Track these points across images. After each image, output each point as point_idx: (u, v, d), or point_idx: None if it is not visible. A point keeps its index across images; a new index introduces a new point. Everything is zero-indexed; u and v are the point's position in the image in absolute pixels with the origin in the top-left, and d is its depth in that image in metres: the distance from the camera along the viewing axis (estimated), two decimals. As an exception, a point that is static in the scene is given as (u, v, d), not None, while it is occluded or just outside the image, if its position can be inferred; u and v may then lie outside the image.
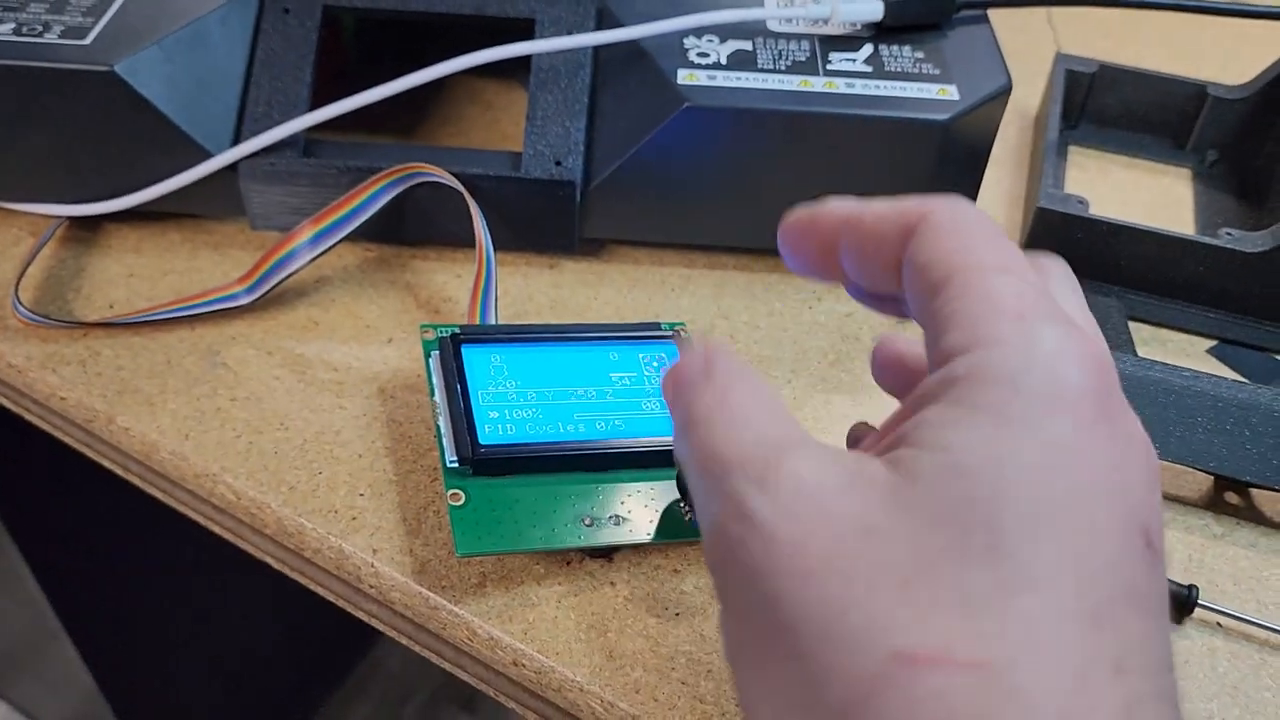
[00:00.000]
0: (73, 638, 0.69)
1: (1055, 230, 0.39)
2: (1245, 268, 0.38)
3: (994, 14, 0.40)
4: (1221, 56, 0.54)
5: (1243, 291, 0.39)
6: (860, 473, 0.18)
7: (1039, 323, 0.18)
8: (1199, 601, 0.31)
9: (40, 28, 0.36)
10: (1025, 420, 0.17)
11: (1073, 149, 0.46)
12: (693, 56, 0.37)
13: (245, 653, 0.88)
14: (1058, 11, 0.56)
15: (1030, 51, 0.52)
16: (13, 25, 0.36)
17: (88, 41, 0.35)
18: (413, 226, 0.38)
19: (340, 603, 0.32)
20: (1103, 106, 0.47)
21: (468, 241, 0.37)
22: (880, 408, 0.35)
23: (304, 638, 0.95)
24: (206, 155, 0.36)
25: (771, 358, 0.37)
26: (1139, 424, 0.19)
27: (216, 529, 0.34)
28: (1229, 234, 0.38)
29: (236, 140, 0.37)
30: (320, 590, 0.32)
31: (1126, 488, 0.18)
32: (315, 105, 0.37)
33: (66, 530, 0.66)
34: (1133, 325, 0.39)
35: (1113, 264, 0.39)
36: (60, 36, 0.35)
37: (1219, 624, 0.31)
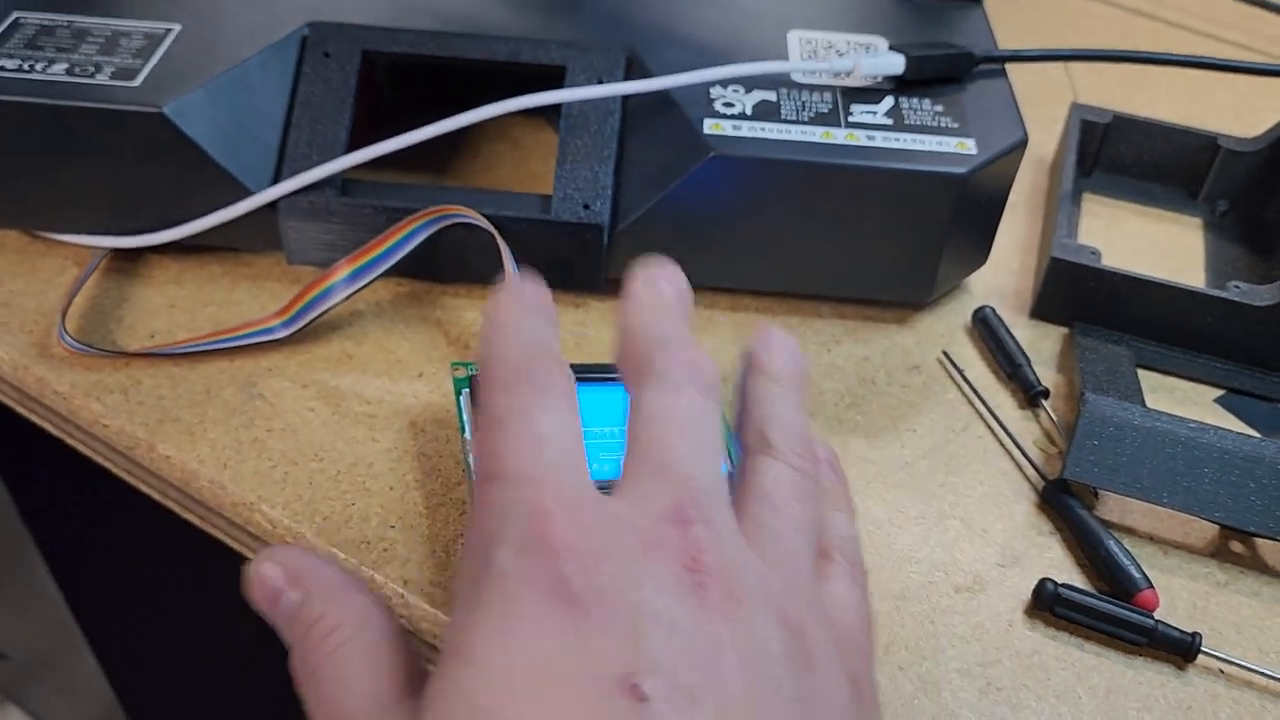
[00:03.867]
0: (93, 648, 0.70)
1: (1068, 279, 0.40)
2: (1253, 320, 0.39)
3: (1012, 64, 0.42)
4: (1234, 108, 0.55)
5: (1250, 343, 0.40)
6: None
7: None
8: (1202, 648, 0.31)
9: (92, 69, 0.37)
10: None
11: (1087, 196, 0.48)
12: (719, 106, 0.38)
13: (262, 667, 0.89)
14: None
15: (1047, 97, 0.54)
16: (66, 65, 0.37)
17: (137, 83, 0.37)
18: (444, 264, 0.39)
19: (369, 631, 0.33)
20: (1116, 155, 0.48)
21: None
22: (896, 450, 0.36)
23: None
24: (247, 193, 0.38)
25: (789, 399, 0.38)
26: (612, 579, 0.20)
27: (251, 556, 0.35)
28: (1237, 287, 0.39)
29: (276, 179, 0.38)
30: (350, 618, 0.34)
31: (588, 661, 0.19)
32: (352, 145, 0.38)
33: (90, 542, 0.67)
34: (1142, 373, 0.40)
35: (1123, 313, 0.40)
36: (111, 78, 0.37)
37: (1222, 671, 0.32)
